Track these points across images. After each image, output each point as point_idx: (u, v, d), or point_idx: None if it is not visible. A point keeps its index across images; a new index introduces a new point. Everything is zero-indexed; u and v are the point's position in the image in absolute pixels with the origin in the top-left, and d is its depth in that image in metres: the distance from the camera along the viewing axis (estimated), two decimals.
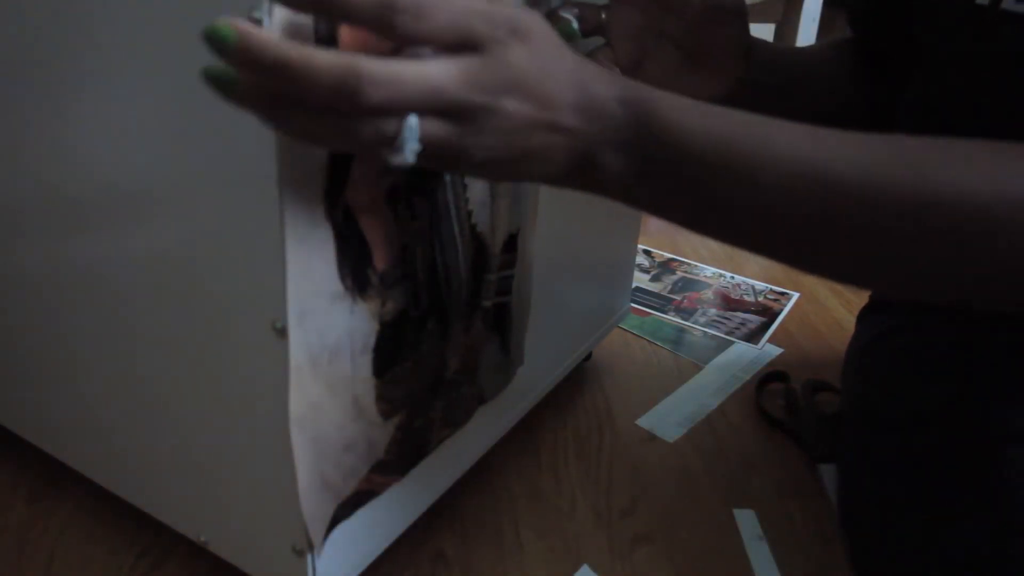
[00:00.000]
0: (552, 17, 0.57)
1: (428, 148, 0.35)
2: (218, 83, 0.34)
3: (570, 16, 0.57)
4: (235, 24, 0.32)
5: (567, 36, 0.57)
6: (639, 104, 0.40)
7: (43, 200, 0.54)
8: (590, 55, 0.59)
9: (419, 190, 0.48)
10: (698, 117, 0.40)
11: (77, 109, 0.48)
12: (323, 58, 0.32)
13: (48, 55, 0.48)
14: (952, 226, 0.39)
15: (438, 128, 0.35)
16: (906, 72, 0.64)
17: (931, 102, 0.62)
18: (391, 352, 0.51)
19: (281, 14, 0.37)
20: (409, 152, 0.34)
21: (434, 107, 0.34)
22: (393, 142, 0.34)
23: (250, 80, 0.33)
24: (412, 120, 0.33)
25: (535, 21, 0.38)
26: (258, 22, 0.37)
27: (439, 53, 0.34)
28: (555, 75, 0.37)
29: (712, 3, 0.60)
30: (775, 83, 0.66)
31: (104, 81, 0.46)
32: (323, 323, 0.46)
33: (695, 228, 0.44)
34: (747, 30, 0.63)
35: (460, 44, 0.34)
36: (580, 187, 0.42)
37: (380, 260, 0.48)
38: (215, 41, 0.32)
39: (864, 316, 0.80)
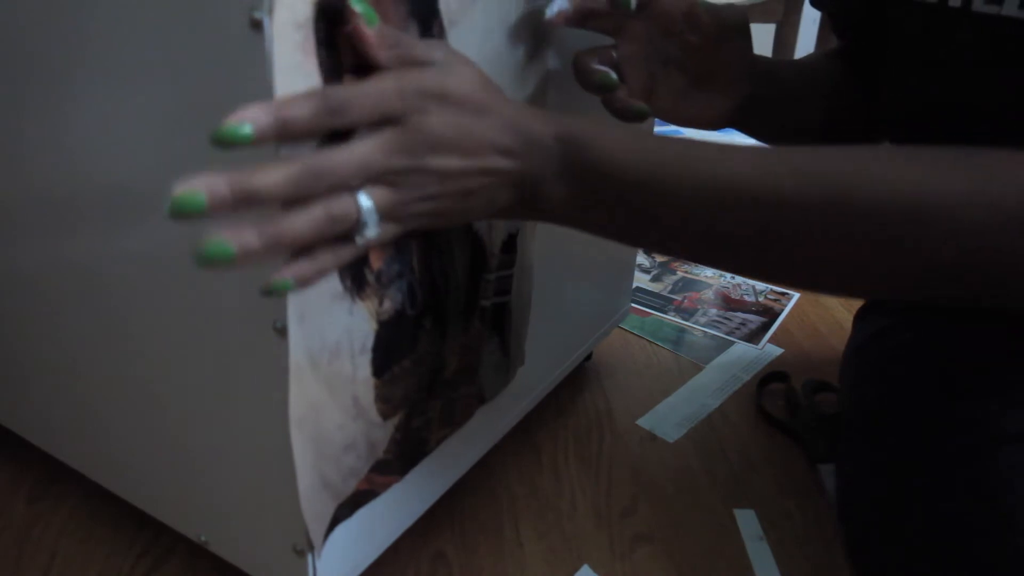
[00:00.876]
0: (588, 71, 0.58)
1: (385, 214, 0.41)
2: (218, 260, 0.37)
3: (606, 68, 0.59)
4: (199, 186, 0.36)
5: (607, 87, 0.59)
6: (573, 138, 0.45)
7: (43, 200, 0.54)
8: (608, 96, 0.60)
9: None
10: (628, 144, 0.45)
11: (76, 108, 0.48)
12: (277, 171, 0.38)
13: (47, 54, 0.48)
14: (876, 228, 0.42)
15: (384, 195, 0.41)
16: (887, 75, 0.64)
17: (905, 104, 0.62)
18: (389, 352, 0.51)
19: (282, 15, 0.37)
20: (372, 223, 0.40)
21: (369, 177, 0.40)
22: (358, 221, 0.40)
23: (237, 237, 0.37)
24: (362, 196, 0.40)
25: (455, 81, 0.42)
26: (259, 24, 0.37)
27: (369, 131, 0.40)
28: (479, 125, 0.42)
29: (715, 24, 0.60)
30: (774, 96, 0.67)
31: (104, 80, 0.46)
32: (323, 323, 0.46)
33: (636, 244, 0.49)
34: (751, 48, 0.64)
35: (382, 121, 0.40)
36: (532, 217, 0.47)
37: (376, 259, 0.48)
38: (186, 213, 0.36)
39: (861, 316, 0.80)
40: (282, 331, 0.44)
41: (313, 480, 0.49)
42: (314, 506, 0.50)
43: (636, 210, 0.45)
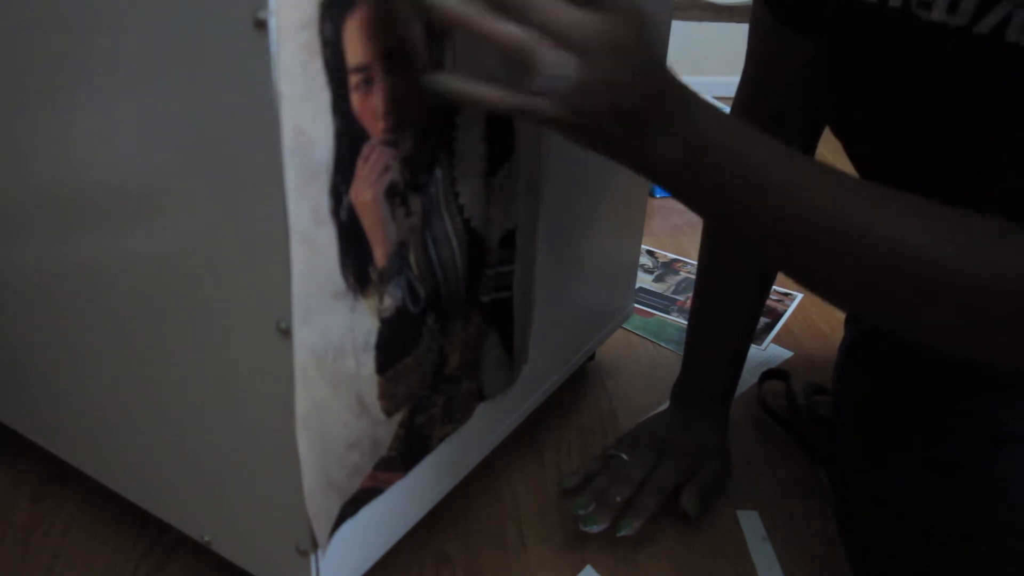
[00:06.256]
0: None
1: (564, 72, 0.42)
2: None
3: None
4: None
5: None
6: (698, 106, 0.47)
7: (48, 200, 0.54)
8: None
9: (415, 186, 0.49)
10: (730, 131, 0.47)
11: (82, 110, 0.48)
12: None
13: (52, 57, 0.48)
14: (872, 261, 0.45)
15: (559, 57, 0.42)
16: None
17: (850, 108, 0.63)
18: (392, 349, 0.51)
19: (287, 15, 0.37)
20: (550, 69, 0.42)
21: (554, 33, 0.42)
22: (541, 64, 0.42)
23: None
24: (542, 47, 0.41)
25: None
26: (263, 24, 0.37)
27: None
28: (645, 59, 0.45)
29: None
30: None
31: (109, 82, 0.46)
32: (327, 322, 0.46)
33: (708, 218, 0.51)
34: None
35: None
36: (629, 159, 0.48)
37: (380, 257, 0.48)
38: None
39: (852, 318, 0.81)
40: (286, 331, 0.44)
41: (318, 478, 0.49)
42: (319, 504, 0.50)
43: (718, 192, 0.48)
